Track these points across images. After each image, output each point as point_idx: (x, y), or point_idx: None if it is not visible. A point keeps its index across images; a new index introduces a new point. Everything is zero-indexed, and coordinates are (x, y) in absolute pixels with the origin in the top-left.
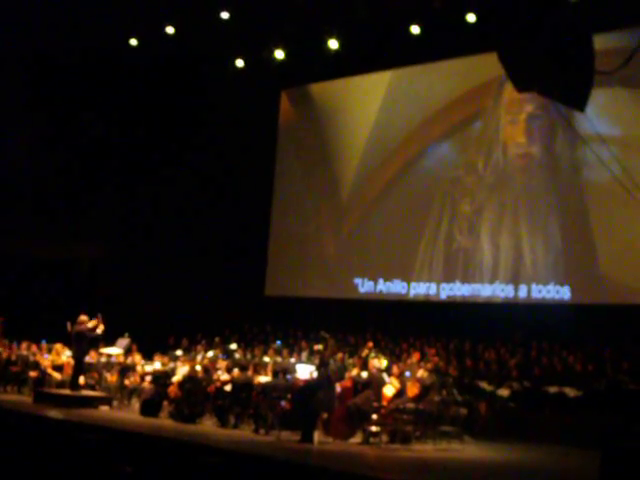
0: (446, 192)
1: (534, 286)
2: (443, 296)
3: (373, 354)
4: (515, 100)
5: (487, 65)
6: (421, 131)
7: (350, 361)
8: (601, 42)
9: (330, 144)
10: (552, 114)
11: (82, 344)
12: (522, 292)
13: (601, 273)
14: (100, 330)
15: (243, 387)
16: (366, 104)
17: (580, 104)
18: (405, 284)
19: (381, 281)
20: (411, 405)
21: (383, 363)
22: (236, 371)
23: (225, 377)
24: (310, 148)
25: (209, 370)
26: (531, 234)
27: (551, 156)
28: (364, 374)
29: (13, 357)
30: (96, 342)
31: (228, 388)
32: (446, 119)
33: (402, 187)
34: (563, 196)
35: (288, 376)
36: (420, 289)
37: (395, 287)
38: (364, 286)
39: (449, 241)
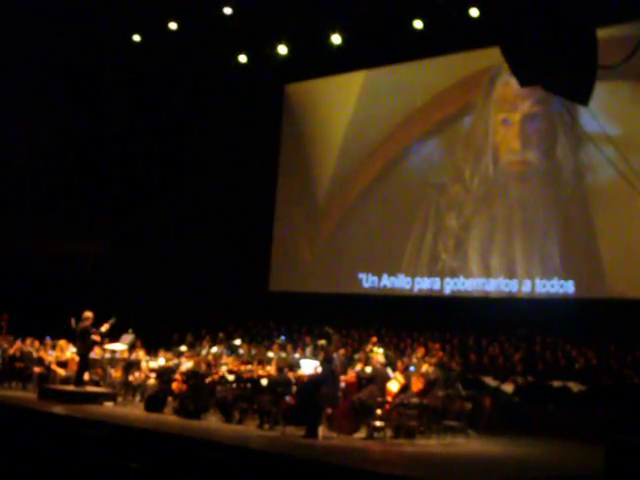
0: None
1: (538, 281)
2: (447, 291)
3: (376, 349)
4: (508, 97)
5: (477, 57)
6: (404, 129)
7: (356, 356)
8: (604, 36)
9: (327, 139)
10: (552, 113)
11: (86, 340)
12: (526, 287)
13: (605, 268)
14: (104, 329)
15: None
16: (346, 101)
17: (583, 99)
18: (410, 279)
19: (385, 276)
20: (415, 400)
21: (380, 357)
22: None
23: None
24: (311, 143)
25: (212, 365)
26: (526, 253)
27: (551, 162)
28: (368, 369)
29: (18, 353)
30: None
31: (231, 378)
32: (429, 116)
33: (385, 187)
34: (565, 208)
35: (286, 371)
36: (425, 284)
37: (399, 282)
38: (368, 281)
39: (445, 234)
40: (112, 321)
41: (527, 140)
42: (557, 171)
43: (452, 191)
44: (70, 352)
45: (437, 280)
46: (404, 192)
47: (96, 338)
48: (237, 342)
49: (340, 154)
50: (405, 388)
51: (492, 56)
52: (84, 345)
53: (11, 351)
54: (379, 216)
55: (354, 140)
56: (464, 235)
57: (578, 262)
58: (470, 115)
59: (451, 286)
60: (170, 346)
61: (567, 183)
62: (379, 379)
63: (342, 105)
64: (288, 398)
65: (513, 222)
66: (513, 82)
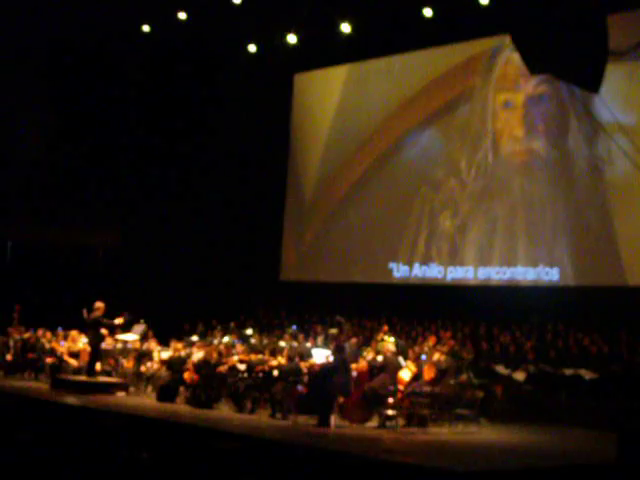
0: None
1: (549, 269)
2: (458, 280)
3: (387, 338)
4: (510, 75)
5: (478, 44)
6: (400, 118)
7: (364, 352)
8: (615, 23)
9: (334, 128)
10: (562, 94)
11: (98, 331)
12: (538, 275)
13: (617, 255)
14: (118, 321)
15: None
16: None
17: (594, 86)
18: (424, 268)
19: (397, 265)
20: (427, 388)
21: (391, 345)
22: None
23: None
24: (320, 132)
25: (223, 355)
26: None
27: (561, 153)
28: (380, 358)
29: (30, 344)
30: (112, 330)
31: (242, 367)
32: (424, 104)
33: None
34: (578, 206)
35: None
36: (436, 273)
37: (413, 271)
38: (380, 270)
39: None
40: (126, 317)
41: (532, 126)
42: (568, 163)
43: (447, 187)
44: (82, 343)
45: (450, 269)
46: (407, 179)
47: (104, 332)
48: (249, 332)
49: (343, 143)
50: (417, 377)
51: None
52: (95, 336)
53: (23, 342)
54: (387, 203)
55: (354, 129)
56: (472, 223)
57: (591, 251)
58: (467, 100)
59: (462, 274)
60: (181, 336)
61: (580, 177)
62: (390, 368)
63: (350, 94)
64: (300, 387)
65: (517, 219)
66: (516, 58)
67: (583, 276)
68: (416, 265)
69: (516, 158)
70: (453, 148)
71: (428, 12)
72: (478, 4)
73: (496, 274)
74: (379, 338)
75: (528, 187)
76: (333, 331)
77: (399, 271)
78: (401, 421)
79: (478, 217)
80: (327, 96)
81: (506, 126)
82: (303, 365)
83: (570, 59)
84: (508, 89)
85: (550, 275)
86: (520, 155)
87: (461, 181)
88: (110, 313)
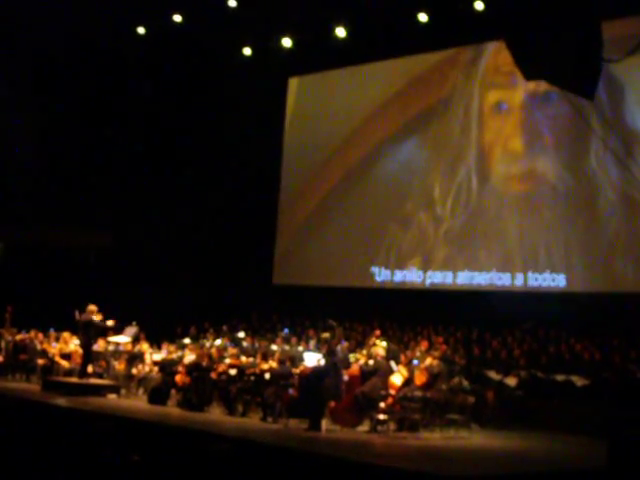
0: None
1: (541, 275)
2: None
3: (379, 342)
4: (503, 67)
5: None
6: (379, 123)
7: (354, 356)
8: (609, 29)
9: (329, 132)
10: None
11: (90, 333)
12: (531, 280)
13: (610, 261)
14: (111, 322)
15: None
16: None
17: (589, 93)
18: (421, 273)
19: (390, 270)
20: (419, 393)
21: (381, 350)
22: (243, 358)
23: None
24: (315, 136)
25: (215, 358)
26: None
27: (579, 177)
28: (371, 362)
29: (21, 345)
30: (104, 332)
31: (233, 372)
32: (402, 110)
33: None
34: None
35: (288, 364)
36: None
37: (407, 276)
38: (376, 275)
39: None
40: (114, 323)
41: (535, 138)
42: (588, 191)
43: (417, 223)
44: (74, 344)
45: (442, 274)
46: (387, 187)
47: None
48: (241, 335)
49: (335, 147)
50: (408, 381)
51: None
52: (87, 337)
53: (15, 343)
54: (368, 206)
55: (344, 134)
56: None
57: (582, 256)
58: (446, 103)
59: (452, 279)
60: (174, 339)
61: (606, 212)
62: (382, 372)
63: (342, 98)
64: (291, 391)
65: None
66: None
67: (575, 283)
68: (398, 270)
69: (512, 185)
70: (426, 170)
71: (423, 17)
72: (473, 10)
73: (489, 279)
74: (371, 342)
75: (528, 225)
76: (325, 335)
77: (380, 275)
78: (392, 426)
79: (467, 228)
80: (321, 100)
81: (499, 137)
82: (295, 370)
83: (565, 65)
84: (501, 85)
85: (540, 281)
86: (518, 181)
87: (434, 217)
88: (102, 315)
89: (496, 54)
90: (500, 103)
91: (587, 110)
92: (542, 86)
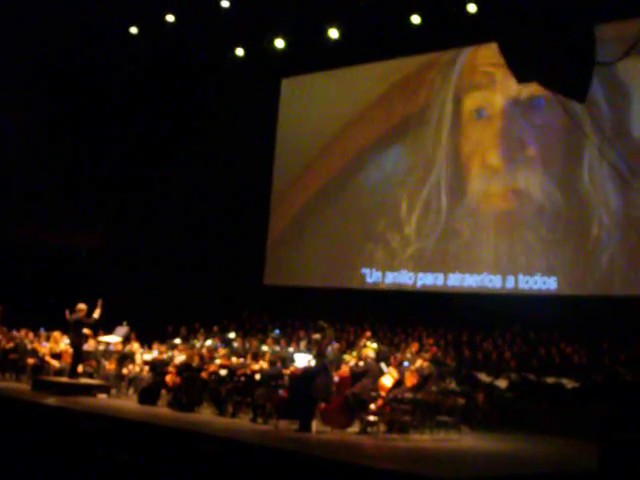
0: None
1: (532, 277)
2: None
3: (370, 344)
4: (482, 68)
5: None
6: (363, 126)
7: (354, 353)
8: (602, 33)
9: (322, 133)
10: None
11: (80, 332)
12: (521, 283)
13: (600, 265)
14: (97, 315)
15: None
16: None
17: (581, 96)
18: (412, 274)
19: (381, 272)
20: (409, 395)
21: (370, 351)
22: (234, 359)
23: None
24: (307, 137)
25: (205, 358)
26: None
27: (570, 197)
28: (361, 363)
29: (12, 345)
30: (91, 327)
31: (224, 373)
32: (380, 118)
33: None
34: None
35: (278, 365)
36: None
37: (398, 278)
38: (367, 276)
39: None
40: (100, 303)
41: (519, 150)
42: (581, 213)
43: (387, 243)
44: (64, 344)
45: (433, 276)
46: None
47: (87, 332)
48: (231, 335)
49: (332, 150)
50: (399, 383)
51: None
52: (78, 337)
53: (5, 342)
54: (370, 208)
55: (334, 135)
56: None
57: (574, 261)
58: (423, 109)
59: (443, 281)
60: (164, 339)
61: (601, 235)
62: (372, 374)
63: (334, 100)
64: (281, 392)
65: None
66: (492, 46)
67: (565, 286)
68: (389, 271)
69: (491, 204)
70: (394, 184)
71: (416, 19)
72: (466, 12)
73: (480, 282)
74: (361, 344)
75: (507, 250)
76: (316, 336)
77: (372, 277)
78: (382, 427)
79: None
80: (313, 101)
81: (477, 149)
82: (285, 371)
83: (557, 68)
84: (480, 86)
85: (531, 284)
86: (497, 199)
87: (402, 238)
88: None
89: (475, 52)
90: (480, 109)
91: (581, 118)
92: (526, 91)
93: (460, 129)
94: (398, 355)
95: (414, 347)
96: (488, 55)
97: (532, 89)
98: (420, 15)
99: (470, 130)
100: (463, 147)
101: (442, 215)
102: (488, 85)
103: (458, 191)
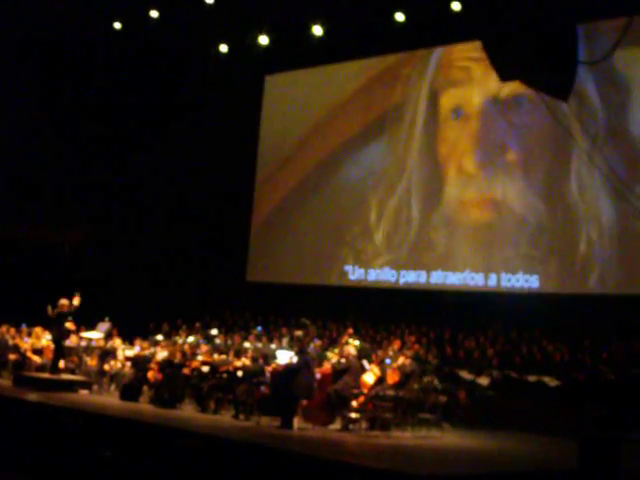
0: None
1: (514, 275)
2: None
3: (352, 341)
4: (457, 60)
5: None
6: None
7: (336, 350)
8: (585, 32)
9: (304, 130)
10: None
11: (62, 328)
12: (503, 281)
13: (581, 262)
14: (76, 302)
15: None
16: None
17: (564, 94)
18: (395, 272)
19: (363, 269)
20: (391, 392)
21: (352, 348)
22: (216, 355)
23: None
24: (290, 134)
25: (187, 355)
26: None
27: (555, 208)
28: (343, 360)
29: None
30: (73, 316)
31: (206, 369)
32: (357, 115)
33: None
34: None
35: (260, 362)
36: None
37: (380, 275)
38: (351, 273)
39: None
40: (77, 293)
41: (498, 151)
42: (566, 226)
43: (371, 238)
44: (46, 339)
45: (417, 273)
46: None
47: (70, 326)
48: (214, 332)
49: (313, 146)
50: (381, 380)
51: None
52: (59, 332)
53: None
54: (339, 205)
55: (317, 132)
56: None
57: (555, 258)
58: (396, 108)
59: (426, 279)
60: (146, 335)
61: (593, 258)
62: (354, 370)
63: (317, 97)
64: (263, 388)
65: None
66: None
67: (547, 284)
68: (371, 268)
69: (467, 213)
70: (368, 186)
71: (400, 17)
72: (450, 10)
73: (462, 279)
74: (344, 341)
75: (482, 264)
76: (298, 333)
77: (354, 274)
78: (364, 424)
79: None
80: (296, 98)
81: (453, 152)
82: (267, 369)
83: (540, 67)
84: (457, 83)
85: (513, 282)
86: (475, 208)
87: (374, 245)
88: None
89: (450, 50)
90: (457, 108)
91: (569, 117)
92: (507, 88)
93: (435, 129)
94: (380, 352)
95: (396, 344)
96: (466, 49)
97: (513, 86)
98: (404, 13)
99: (446, 131)
100: (438, 149)
101: (413, 226)
102: (465, 81)
103: (432, 198)
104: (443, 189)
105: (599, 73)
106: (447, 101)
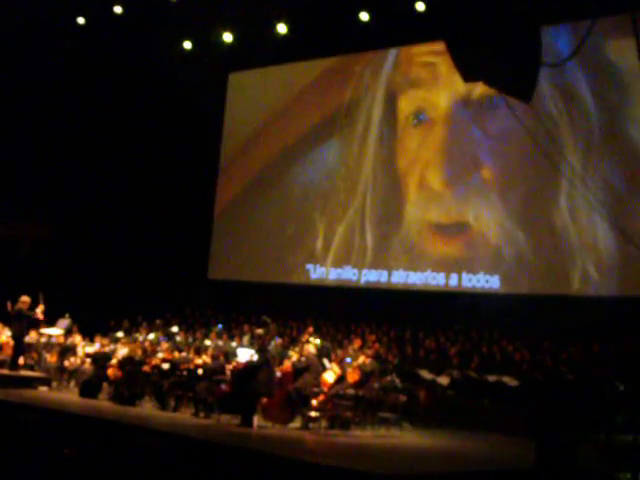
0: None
1: (475, 276)
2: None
3: (312, 339)
4: (421, 58)
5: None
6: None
7: (296, 349)
8: (548, 34)
9: (268, 128)
10: (543, 98)
11: (22, 324)
12: (464, 281)
13: (541, 263)
14: (40, 310)
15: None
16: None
17: (526, 96)
18: (356, 271)
19: (328, 267)
20: (351, 391)
21: (312, 347)
22: (176, 353)
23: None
24: (253, 131)
25: (148, 352)
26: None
27: (537, 235)
28: (303, 359)
29: None
30: (36, 323)
31: (166, 366)
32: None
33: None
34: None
35: (221, 359)
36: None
37: (342, 274)
38: (310, 272)
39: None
40: (41, 296)
41: (469, 165)
42: (555, 262)
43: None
44: (5, 336)
45: (379, 272)
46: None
47: (38, 311)
48: (174, 329)
49: (272, 144)
50: (341, 379)
51: None
52: (19, 329)
53: None
54: (298, 204)
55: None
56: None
57: (516, 259)
58: (348, 111)
59: (387, 278)
60: (106, 332)
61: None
62: (314, 369)
63: (277, 95)
64: (223, 386)
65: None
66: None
67: (508, 285)
68: (333, 267)
69: (431, 243)
70: (320, 189)
71: (365, 16)
72: (414, 10)
73: (424, 279)
74: (304, 339)
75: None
76: (259, 331)
77: (316, 272)
78: (324, 423)
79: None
80: (258, 95)
81: (414, 165)
82: (228, 366)
83: (503, 68)
84: (419, 82)
85: (474, 282)
86: (439, 234)
87: (335, 245)
88: (34, 307)
89: (408, 47)
90: (418, 112)
91: (558, 122)
92: (480, 88)
93: (393, 137)
94: (340, 351)
95: (357, 343)
96: (434, 45)
97: (485, 87)
98: (368, 12)
99: (405, 139)
100: (397, 161)
101: (367, 252)
102: (429, 81)
103: (389, 221)
104: (402, 210)
105: (591, 67)
106: (407, 104)
